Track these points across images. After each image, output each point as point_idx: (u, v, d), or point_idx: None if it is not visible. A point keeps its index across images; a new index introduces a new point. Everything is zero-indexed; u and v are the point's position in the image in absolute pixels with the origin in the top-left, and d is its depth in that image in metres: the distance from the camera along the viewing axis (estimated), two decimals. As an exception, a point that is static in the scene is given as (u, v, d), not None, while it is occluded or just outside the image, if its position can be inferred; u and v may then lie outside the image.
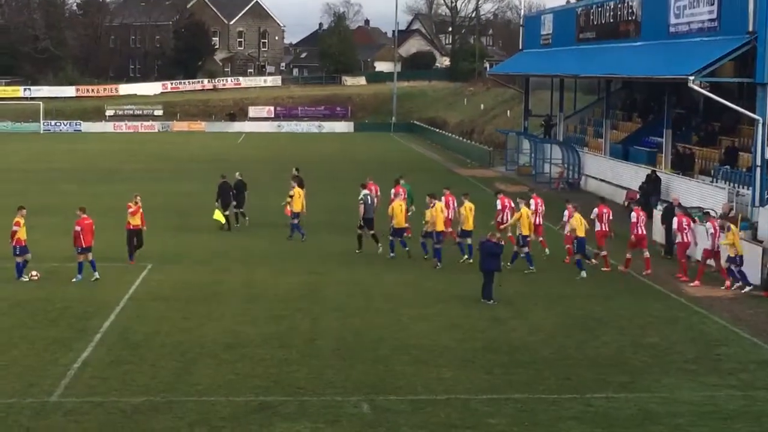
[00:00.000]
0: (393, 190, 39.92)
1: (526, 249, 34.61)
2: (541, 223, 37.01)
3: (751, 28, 40.34)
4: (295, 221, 40.16)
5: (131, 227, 34.67)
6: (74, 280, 31.52)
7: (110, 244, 35.12)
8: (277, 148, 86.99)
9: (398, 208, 36.45)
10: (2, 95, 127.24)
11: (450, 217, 37.60)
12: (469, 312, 28.49)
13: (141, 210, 34.73)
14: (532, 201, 36.90)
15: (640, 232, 34.73)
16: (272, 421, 19.40)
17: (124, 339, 25.26)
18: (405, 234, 37.23)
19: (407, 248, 36.43)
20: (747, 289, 31.41)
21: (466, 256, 35.48)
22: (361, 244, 37.23)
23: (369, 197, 37.96)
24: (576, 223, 34.05)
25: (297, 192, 40.69)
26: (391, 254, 36.28)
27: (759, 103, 40.47)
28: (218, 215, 41.97)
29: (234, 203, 42.65)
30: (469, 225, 35.66)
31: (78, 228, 31.56)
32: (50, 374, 22.18)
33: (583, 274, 33.27)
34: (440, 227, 35.43)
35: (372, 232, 37.29)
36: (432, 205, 35.76)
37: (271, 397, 20.81)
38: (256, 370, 22.76)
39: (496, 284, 29.43)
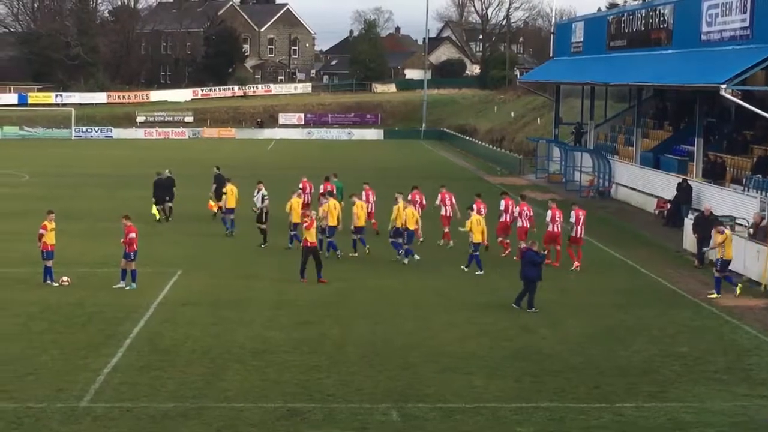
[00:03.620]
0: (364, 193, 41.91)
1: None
2: (582, 234, 36.90)
3: (783, 36, 40.21)
4: (231, 216, 42.33)
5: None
6: (127, 288, 31.44)
7: (142, 250, 35.25)
8: (307, 155, 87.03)
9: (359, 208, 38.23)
10: (34, 101, 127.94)
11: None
12: (497, 319, 28.47)
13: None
14: (549, 212, 37.01)
15: (577, 233, 36.30)
16: (300, 428, 19.39)
17: (154, 344, 25.36)
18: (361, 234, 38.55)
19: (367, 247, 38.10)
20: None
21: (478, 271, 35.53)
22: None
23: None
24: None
25: (230, 189, 42.52)
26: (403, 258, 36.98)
27: (791, 111, 40.33)
28: (154, 210, 45.37)
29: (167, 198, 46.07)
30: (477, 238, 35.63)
31: (133, 234, 31.59)
32: (80, 379, 22.26)
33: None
34: (411, 226, 36.57)
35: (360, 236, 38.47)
36: (396, 202, 37.26)
37: (300, 404, 20.79)
38: (284, 376, 22.79)
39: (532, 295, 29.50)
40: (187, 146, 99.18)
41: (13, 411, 20.12)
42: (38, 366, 23.30)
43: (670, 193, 49.36)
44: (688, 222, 41.07)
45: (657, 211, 50.90)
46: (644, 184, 55.44)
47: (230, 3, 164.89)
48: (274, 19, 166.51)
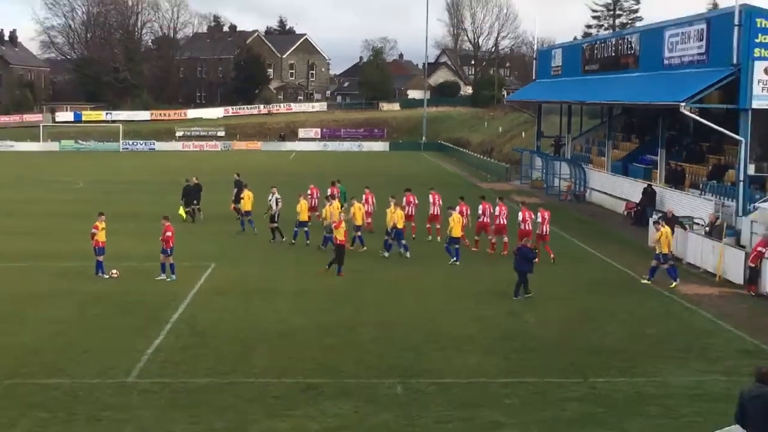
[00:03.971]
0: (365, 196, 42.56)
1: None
2: (548, 232, 36.94)
3: (735, 61, 40.18)
4: (249, 218, 42.51)
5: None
6: (168, 279, 31.45)
7: (181, 247, 35.32)
8: (323, 165, 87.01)
9: (357, 209, 38.58)
10: (88, 118, 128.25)
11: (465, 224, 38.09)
12: (489, 306, 28.48)
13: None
14: (519, 213, 37.22)
15: (543, 231, 36.55)
16: (318, 400, 19.43)
17: (191, 328, 25.41)
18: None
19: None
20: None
21: (454, 259, 35.72)
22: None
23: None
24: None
25: (247, 194, 42.95)
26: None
27: (742, 126, 40.33)
28: (181, 211, 45.61)
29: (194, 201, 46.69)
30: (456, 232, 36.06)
31: (169, 233, 31.73)
32: (127, 358, 22.33)
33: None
34: (400, 225, 36.88)
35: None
36: (389, 206, 37.65)
37: (318, 379, 20.83)
38: (304, 355, 22.82)
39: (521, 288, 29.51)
40: (219, 157, 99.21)
41: (70, 386, 20.19)
42: (91, 347, 23.38)
43: (636, 196, 49.41)
44: (653, 222, 41.08)
45: (626, 212, 50.92)
46: (614, 189, 55.42)
47: (256, 33, 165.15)
48: (294, 47, 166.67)
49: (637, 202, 48.61)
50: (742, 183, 40.26)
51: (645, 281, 32.56)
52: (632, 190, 51.48)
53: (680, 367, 22.29)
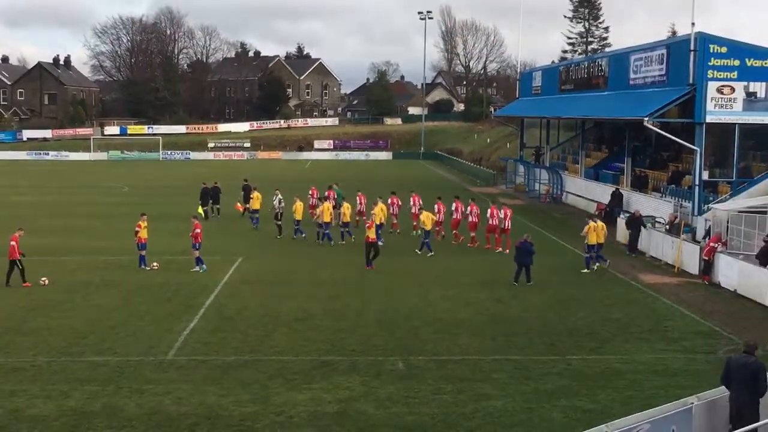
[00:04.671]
0: (326, 193, 43.20)
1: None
2: (509, 226, 37.28)
3: (691, 81, 40.11)
4: (257, 215, 43.15)
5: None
6: (201, 271, 31.39)
7: (212, 243, 35.36)
8: (335, 171, 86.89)
9: (326, 209, 38.77)
10: (132, 132, 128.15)
11: (456, 218, 39.03)
12: (478, 294, 28.44)
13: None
14: (488, 210, 37.72)
15: (506, 225, 36.90)
16: (331, 375, 19.43)
17: (221, 313, 25.41)
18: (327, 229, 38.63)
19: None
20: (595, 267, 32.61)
21: (431, 253, 35.96)
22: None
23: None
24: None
25: (256, 195, 43.68)
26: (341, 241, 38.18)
27: (697, 137, 40.30)
28: (200, 210, 45.72)
29: (211, 201, 47.34)
30: (428, 226, 36.52)
31: (198, 230, 31.76)
32: (166, 339, 22.36)
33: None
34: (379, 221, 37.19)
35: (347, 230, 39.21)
36: (376, 205, 38.36)
37: (330, 357, 20.84)
38: (319, 336, 22.81)
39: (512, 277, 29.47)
40: (246, 165, 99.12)
41: (116, 363, 20.22)
42: (135, 329, 23.40)
43: (606, 198, 49.34)
44: (620, 220, 41.06)
45: (597, 212, 50.77)
46: (587, 192, 55.35)
47: (277, 58, 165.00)
48: (310, 70, 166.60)
49: (607, 203, 48.54)
50: (697, 187, 40.25)
51: (584, 270, 32.75)
52: (602, 193, 51.39)
53: (644, 346, 22.27)
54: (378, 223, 37.15)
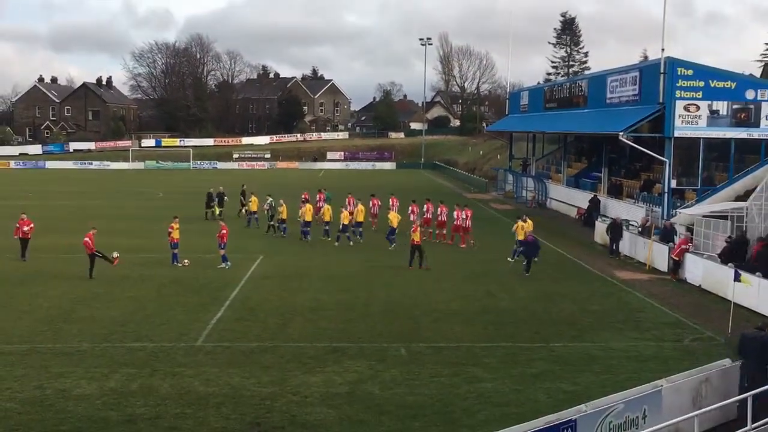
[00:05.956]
0: (318, 196, 44.93)
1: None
2: (470, 225, 38.00)
3: (661, 100, 40.14)
4: (255, 216, 43.86)
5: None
6: (227, 267, 31.37)
7: (238, 243, 35.34)
8: (345, 179, 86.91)
9: (308, 210, 39.42)
10: (166, 144, 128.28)
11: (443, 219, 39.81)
12: (471, 287, 28.41)
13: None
14: (454, 212, 38.48)
15: (465, 224, 37.67)
16: (341, 360, 19.42)
17: (244, 304, 25.41)
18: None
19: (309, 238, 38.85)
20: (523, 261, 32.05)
21: (394, 245, 36.61)
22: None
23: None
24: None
25: (253, 199, 44.47)
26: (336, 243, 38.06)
27: (666, 150, 40.35)
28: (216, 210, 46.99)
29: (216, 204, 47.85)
30: (394, 224, 37.27)
31: (224, 231, 31.79)
32: (196, 327, 22.37)
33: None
34: (360, 218, 38.70)
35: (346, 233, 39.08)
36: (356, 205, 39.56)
37: (341, 344, 20.82)
38: (330, 325, 22.81)
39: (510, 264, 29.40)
40: (266, 174, 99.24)
41: (151, 349, 20.24)
42: (168, 318, 23.41)
43: (585, 204, 49.27)
44: (599, 223, 41.00)
45: (577, 216, 50.79)
46: (569, 198, 55.29)
47: (294, 79, 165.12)
48: (323, 89, 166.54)
49: (586, 208, 48.47)
50: (666, 194, 40.21)
51: (510, 259, 33.71)
52: (582, 199, 51.32)
53: (619, 335, 22.24)
54: (308, 220, 38.55)
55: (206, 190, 50.79)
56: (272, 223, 41.65)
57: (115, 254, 30.37)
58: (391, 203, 42.62)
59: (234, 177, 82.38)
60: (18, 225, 33.72)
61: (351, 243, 37.93)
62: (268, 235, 41.03)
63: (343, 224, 38.17)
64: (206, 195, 49.19)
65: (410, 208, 40.01)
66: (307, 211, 39.11)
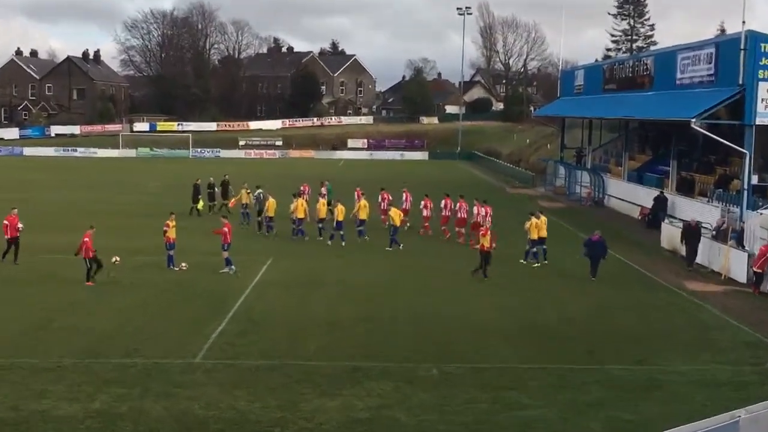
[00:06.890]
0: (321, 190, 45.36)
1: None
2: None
3: (741, 82, 39.82)
4: (247, 210, 44.96)
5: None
6: (230, 272, 31.54)
7: (243, 243, 35.48)
8: (367, 171, 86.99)
9: (321, 205, 40.67)
10: (161, 128, 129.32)
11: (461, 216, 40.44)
12: (514, 298, 28.39)
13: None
14: (483, 208, 39.28)
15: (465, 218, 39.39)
16: (362, 381, 19.42)
17: (249, 315, 25.50)
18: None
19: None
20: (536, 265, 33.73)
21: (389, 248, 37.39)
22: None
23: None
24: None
25: (243, 192, 45.64)
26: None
27: (746, 140, 40.02)
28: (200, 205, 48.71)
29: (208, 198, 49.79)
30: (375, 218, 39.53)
31: (225, 229, 31.97)
32: (195, 341, 22.47)
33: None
34: (362, 216, 39.60)
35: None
36: (358, 200, 40.92)
37: (361, 363, 20.82)
38: (349, 341, 22.82)
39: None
40: (277, 164, 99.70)
41: (143, 365, 20.36)
42: (163, 330, 23.56)
43: (649, 202, 49.03)
44: (665, 225, 40.78)
45: (640, 217, 50.55)
46: (630, 196, 55.02)
47: (311, 54, 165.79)
48: (344, 66, 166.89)
49: (650, 207, 48.24)
50: (746, 191, 39.91)
51: (522, 261, 34.29)
52: (646, 196, 51.07)
53: (689, 357, 22.05)
54: (301, 217, 39.45)
55: (209, 183, 51.04)
56: (258, 219, 42.71)
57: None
58: (404, 197, 43.07)
59: (239, 167, 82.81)
60: (7, 222, 33.70)
61: (329, 243, 38.52)
62: (262, 233, 41.81)
63: (337, 220, 38.79)
64: (192, 187, 49.90)
65: (423, 202, 41.12)
66: (299, 207, 39.88)
